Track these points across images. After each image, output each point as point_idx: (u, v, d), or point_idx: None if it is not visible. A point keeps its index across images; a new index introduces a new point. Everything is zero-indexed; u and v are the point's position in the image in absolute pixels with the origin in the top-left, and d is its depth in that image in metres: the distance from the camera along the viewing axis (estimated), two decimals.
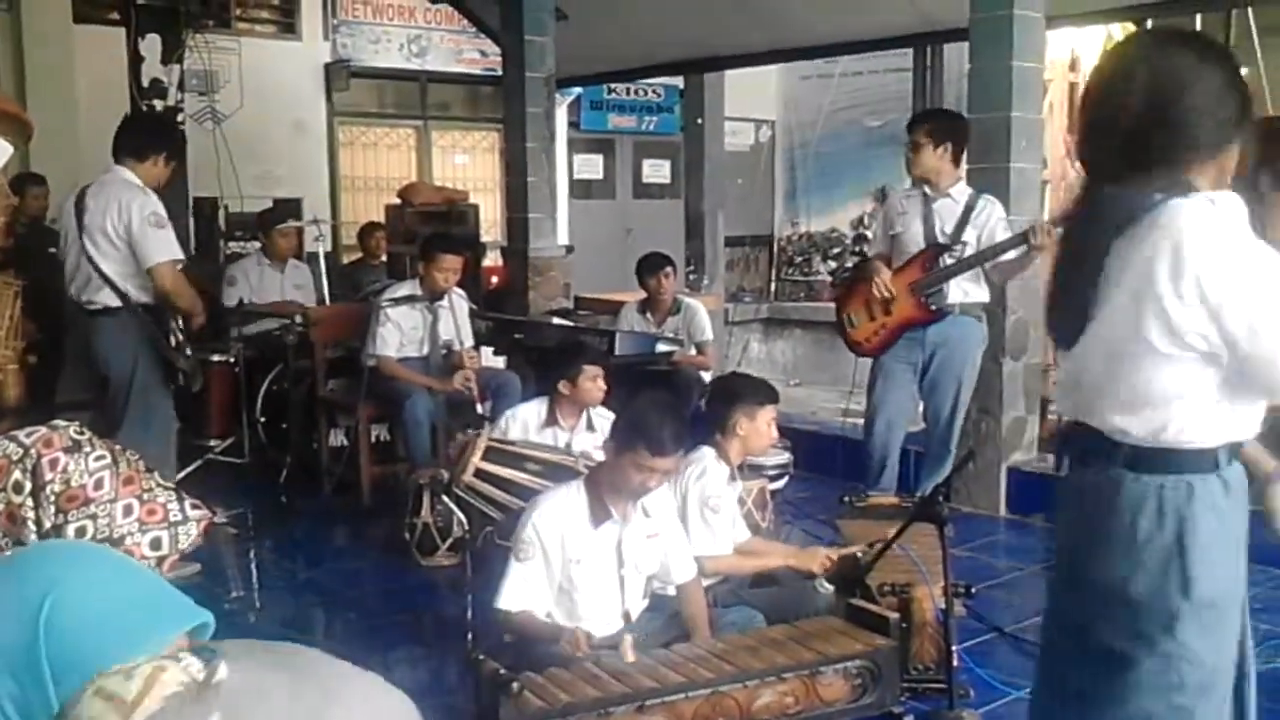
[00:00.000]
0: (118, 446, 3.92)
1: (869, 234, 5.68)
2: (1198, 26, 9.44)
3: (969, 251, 5.19)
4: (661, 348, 6.33)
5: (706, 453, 4.11)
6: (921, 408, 5.57)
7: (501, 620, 3.48)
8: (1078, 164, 2.17)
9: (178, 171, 5.95)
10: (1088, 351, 2.06)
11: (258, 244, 8.03)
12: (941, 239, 5.25)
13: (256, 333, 6.94)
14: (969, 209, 5.25)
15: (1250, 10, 8.84)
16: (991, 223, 5.23)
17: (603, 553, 3.51)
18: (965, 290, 5.29)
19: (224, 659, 0.94)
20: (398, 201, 8.81)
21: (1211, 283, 1.88)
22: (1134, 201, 1.97)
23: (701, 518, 3.97)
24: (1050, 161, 7.63)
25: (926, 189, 5.32)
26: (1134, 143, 1.99)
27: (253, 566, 5.15)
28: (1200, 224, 1.90)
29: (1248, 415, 2.01)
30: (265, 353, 6.76)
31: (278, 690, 0.99)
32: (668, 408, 3.50)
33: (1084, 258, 2.04)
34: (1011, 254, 5.10)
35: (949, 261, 5.21)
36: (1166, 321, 1.91)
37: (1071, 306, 2.08)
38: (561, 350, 5.55)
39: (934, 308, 5.27)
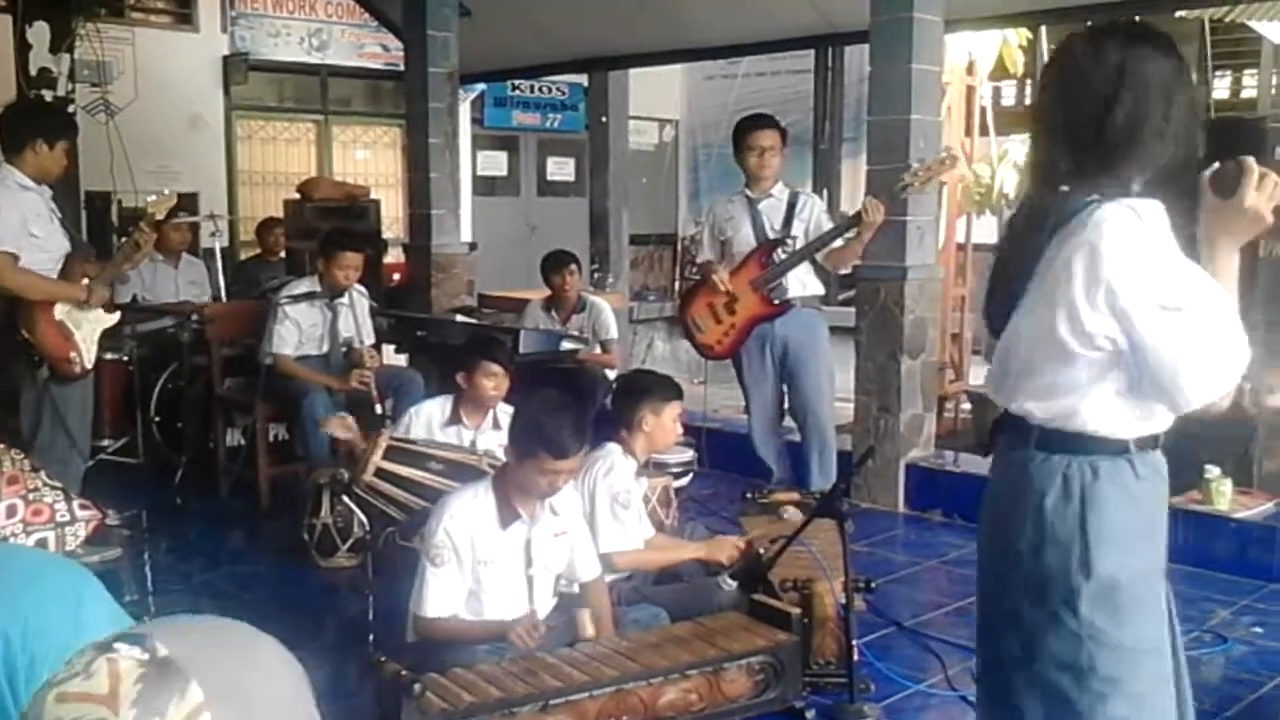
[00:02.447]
0: (1, 446, 3.80)
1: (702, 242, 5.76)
2: None
3: (799, 245, 5.36)
4: (566, 346, 6.32)
5: (613, 449, 4.12)
6: (787, 404, 5.70)
7: (425, 628, 3.45)
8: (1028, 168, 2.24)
9: (72, 160, 5.70)
10: (1010, 342, 2.14)
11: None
12: (772, 235, 5.44)
13: (150, 330, 6.77)
14: (791, 205, 5.49)
15: (1137, 19, 9.07)
16: (816, 215, 5.50)
17: (511, 553, 3.50)
18: (803, 284, 5.51)
19: (155, 639, 0.92)
20: (297, 197, 8.68)
21: (1122, 291, 1.92)
22: (1072, 203, 2.01)
23: (612, 514, 3.98)
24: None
25: (749, 192, 5.52)
26: (1095, 150, 2.01)
27: (147, 569, 5.03)
28: (1120, 231, 1.93)
29: (1161, 412, 2.04)
30: (160, 351, 6.61)
31: (226, 647, 1.00)
32: (563, 407, 3.46)
33: (1019, 255, 2.10)
34: (840, 240, 5.34)
35: (784, 255, 5.37)
36: (1078, 323, 1.96)
37: (1003, 299, 2.16)
38: (466, 344, 5.51)
39: (777, 301, 5.44)
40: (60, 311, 4.85)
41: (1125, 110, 2.00)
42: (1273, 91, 12.50)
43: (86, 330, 4.93)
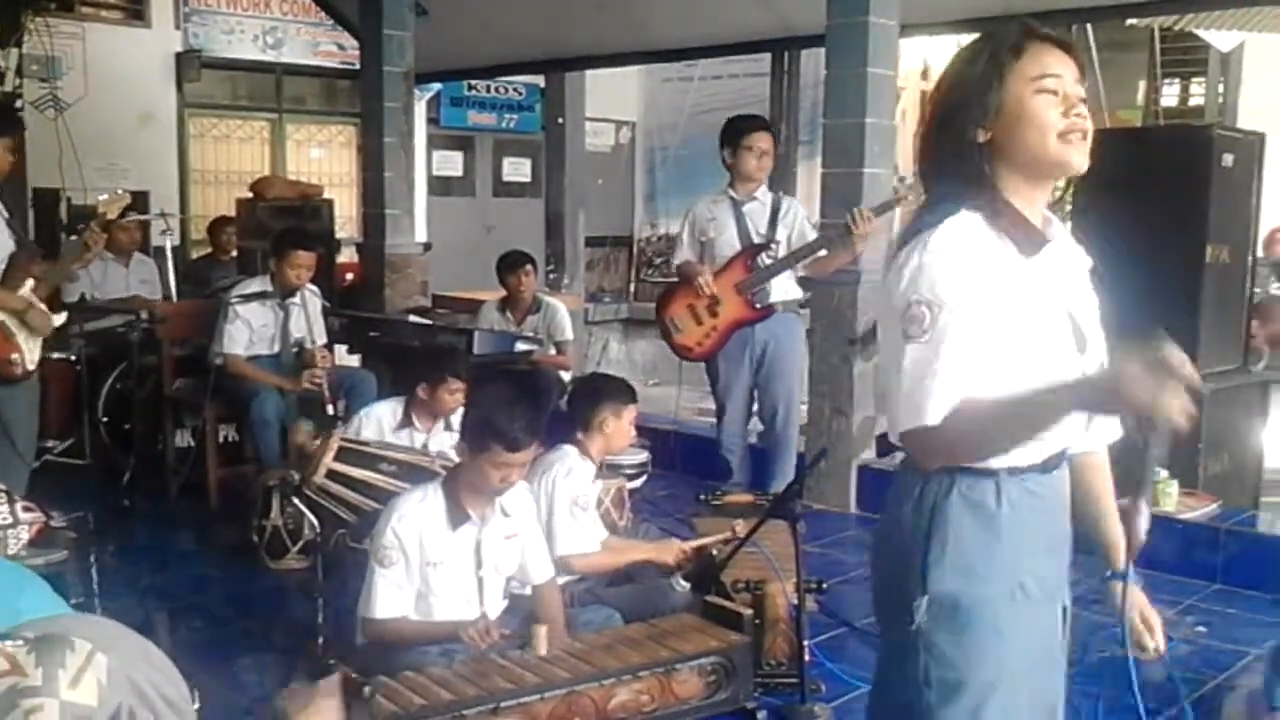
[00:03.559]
0: None
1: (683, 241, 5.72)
2: None
3: (782, 250, 5.35)
4: (521, 347, 6.30)
5: (570, 451, 4.11)
6: (757, 406, 5.71)
7: (374, 631, 3.42)
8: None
9: (19, 156, 5.60)
10: (880, 359, 2.04)
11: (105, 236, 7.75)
12: (757, 239, 5.41)
13: (99, 329, 6.69)
14: (775, 209, 5.48)
15: (1089, 26, 9.21)
16: (799, 221, 5.49)
17: (461, 555, 3.48)
18: (785, 288, 5.51)
19: (23, 631, 1.00)
20: (250, 196, 8.61)
21: (891, 306, 1.84)
22: (922, 218, 1.90)
23: (571, 515, 3.98)
24: (902, 167, 7.82)
25: (733, 193, 5.48)
26: (965, 165, 1.88)
27: (93, 572, 4.96)
28: (926, 248, 1.81)
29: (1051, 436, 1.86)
30: (108, 350, 6.52)
31: (85, 620, 1.09)
32: (515, 400, 3.44)
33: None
34: (824, 249, 5.33)
35: (768, 260, 5.36)
36: (886, 338, 1.89)
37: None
38: (426, 354, 5.49)
39: (760, 306, 5.42)
40: (1, 312, 4.76)
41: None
42: (1219, 100, 12.68)
43: (29, 331, 4.85)
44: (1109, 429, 2.01)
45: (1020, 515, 1.87)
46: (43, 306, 4.83)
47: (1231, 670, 4.07)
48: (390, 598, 3.39)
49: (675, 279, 5.73)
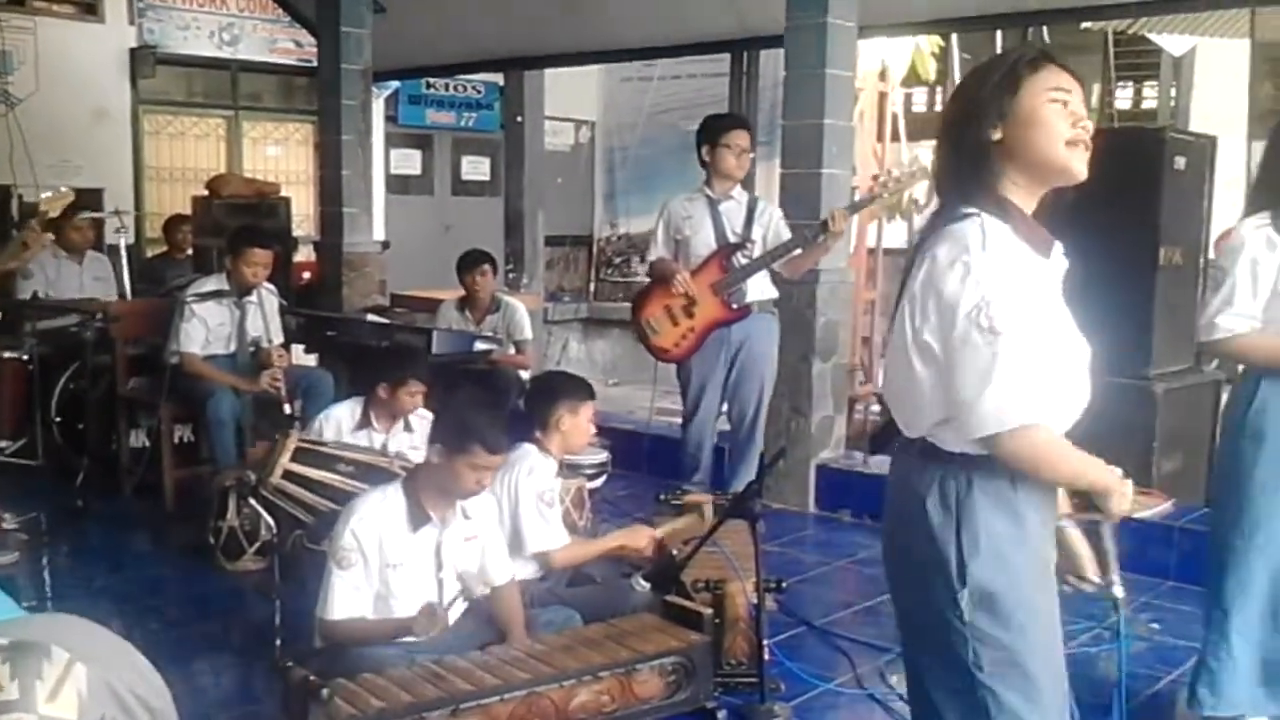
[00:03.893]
0: None
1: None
2: (999, 42, 9.94)
3: (758, 250, 5.35)
4: (480, 346, 6.27)
5: (530, 449, 4.10)
6: (726, 406, 5.70)
7: (330, 632, 3.40)
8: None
9: None
10: (890, 356, 2.15)
11: (51, 236, 7.65)
12: (733, 238, 5.41)
13: (52, 328, 6.60)
14: (751, 210, 5.47)
15: (1045, 29, 9.30)
16: (775, 221, 5.47)
17: (421, 556, 3.47)
18: (761, 288, 5.49)
19: None
20: (205, 193, 8.53)
21: (947, 298, 1.92)
22: (942, 217, 2.02)
23: (538, 513, 3.97)
24: (859, 169, 7.86)
25: (710, 192, 5.46)
26: (978, 163, 2.01)
27: (45, 574, 4.91)
28: (960, 243, 1.93)
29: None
30: (61, 349, 6.44)
31: (58, 622, 1.04)
32: (492, 405, 3.51)
33: (905, 272, 2.10)
34: (799, 249, 5.34)
35: (743, 260, 5.36)
36: (918, 332, 1.98)
37: (892, 314, 2.16)
38: (384, 353, 5.45)
39: (736, 306, 5.41)
40: None
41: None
42: (1171, 103, 12.85)
43: None
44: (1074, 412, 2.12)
45: (1033, 498, 2.03)
46: None
47: (1185, 666, 4.12)
48: (347, 599, 3.37)
49: (635, 278, 5.72)
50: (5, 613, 1.19)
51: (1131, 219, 5.59)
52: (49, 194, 5.03)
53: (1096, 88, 13.23)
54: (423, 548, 3.46)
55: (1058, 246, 2.05)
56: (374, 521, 3.41)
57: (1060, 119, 1.97)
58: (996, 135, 1.98)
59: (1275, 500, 3.14)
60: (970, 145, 2.00)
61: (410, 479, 3.56)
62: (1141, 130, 9.85)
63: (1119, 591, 2.21)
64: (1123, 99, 13.64)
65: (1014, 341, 1.87)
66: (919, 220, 8.07)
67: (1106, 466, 2.07)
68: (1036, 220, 2.04)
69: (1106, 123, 12.42)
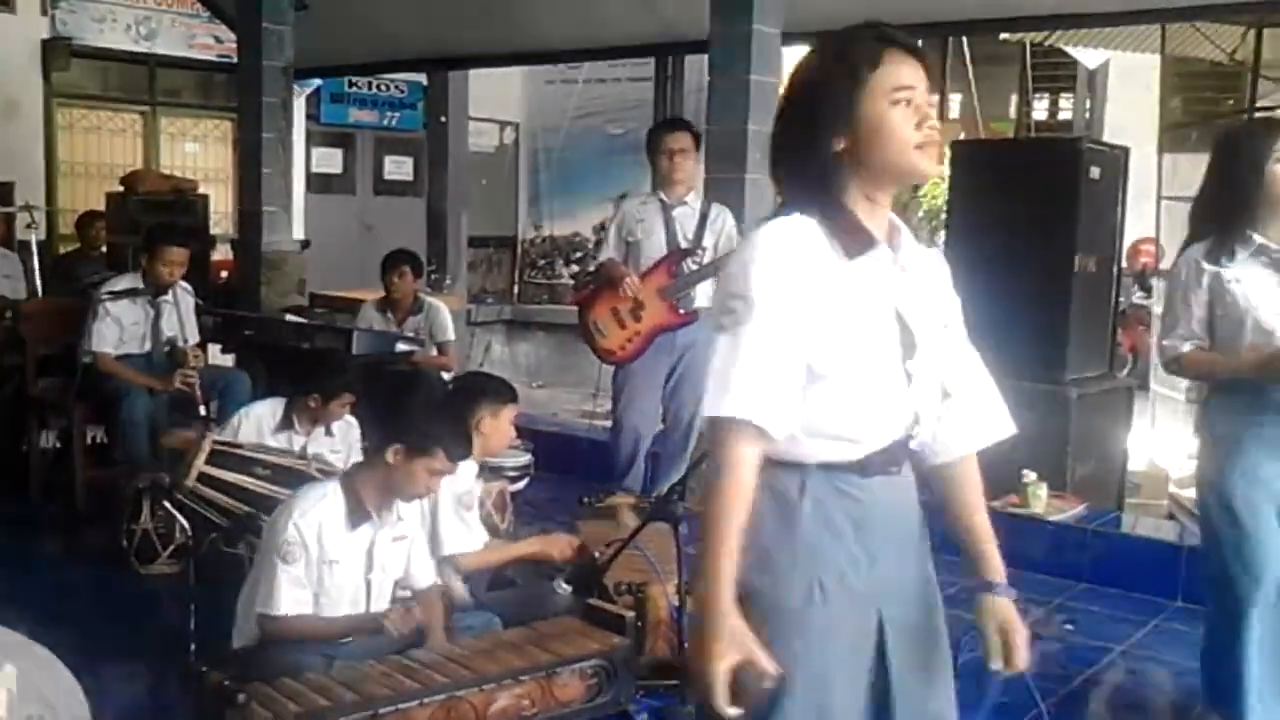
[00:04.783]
0: None
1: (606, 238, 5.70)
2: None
3: (708, 257, 5.36)
4: (402, 347, 6.22)
5: None
6: (662, 410, 5.70)
7: (276, 628, 3.34)
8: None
9: None
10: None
11: None
12: (684, 244, 5.41)
13: None
14: (704, 216, 5.46)
15: (965, 39, 9.45)
16: (728, 229, 5.45)
17: (355, 555, 3.44)
18: (710, 295, 5.44)
19: None
20: (121, 189, 8.38)
21: (722, 299, 1.90)
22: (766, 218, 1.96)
23: (457, 515, 3.94)
24: None
25: (664, 196, 5.46)
26: (824, 174, 1.92)
27: None
28: (752, 246, 1.88)
29: (862, 435, 1.90)
30: None
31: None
32: (446, 409, 3.52)
33: None
34: None
35: (693, 266, 5.36)
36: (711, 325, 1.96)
37: None
38: (307, 355, 5.38)
39: (684, 311, 5.41)
40: None
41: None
42: (1086, 115, 13.14)
43: None
44: (981, 433, 2.06)
45: (825, 513, 1.89)
46: None
47: (1098, 665, 4.21)
48: (294, 594, 3.32)
49: (559, 280, 5.71)
50: None
51: (1048, 227, 5.70)
52: None
53: (1014, 98, 13.48)
54: (358, 546, 3.44)
55: (881, 252, 1.91)
56: (314, 516, 3.37)
57: (907, 124, 1.86)
58: (840, 145, 1.88)
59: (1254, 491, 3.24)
60: (810, 154, 1.91)
61: (350, 477, 3.53)
62: (1058, 140, 10.06)
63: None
64: (1039, 110, 13.92)
65: (739, 338, 1.80)
66: None
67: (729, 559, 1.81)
68: (877, 217, 1.94)
69: (1024, 133, 12.66)
